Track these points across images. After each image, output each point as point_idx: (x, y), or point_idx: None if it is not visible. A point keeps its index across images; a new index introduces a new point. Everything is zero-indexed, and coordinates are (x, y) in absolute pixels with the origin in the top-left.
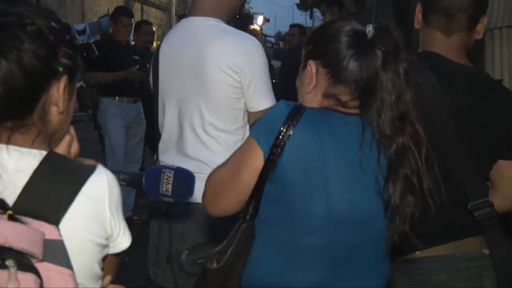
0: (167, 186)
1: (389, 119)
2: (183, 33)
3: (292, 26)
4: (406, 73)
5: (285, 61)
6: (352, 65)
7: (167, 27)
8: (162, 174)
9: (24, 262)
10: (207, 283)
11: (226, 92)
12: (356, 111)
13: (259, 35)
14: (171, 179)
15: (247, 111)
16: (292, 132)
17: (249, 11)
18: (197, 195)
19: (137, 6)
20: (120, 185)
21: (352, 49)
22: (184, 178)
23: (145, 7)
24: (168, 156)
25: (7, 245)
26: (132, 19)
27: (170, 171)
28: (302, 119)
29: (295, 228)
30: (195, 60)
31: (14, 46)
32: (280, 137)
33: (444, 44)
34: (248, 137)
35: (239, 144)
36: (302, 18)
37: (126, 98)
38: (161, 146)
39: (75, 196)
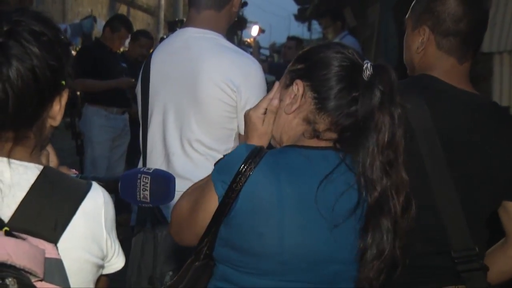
0: (144, 193)
1: (377, 163)
2: (179, 43)
3: (290, 38)
4: (399, 117)
5: (280, 76)
6: (342, 98)
7: (154, 32)
8: (138, 180)
9: (24, 281)
10: None
11: (219, 110)
12: (329, 144)
13: (255, 49)
14: (148, 185)
15: (239, 134)
16: (249, 176)
17: (242, 13)
18: None
19: (123, 9)
20: None
21: (345, 82)
22: (162, 182)
23: (132, 10)
24: None
25: (9, 262)
26: (130, 33)
27: (147, 176)
28: (261, 162)
29: (245, 269)
30: (189, 73)
31: (27, 54)
32: (237, 181)
33: (454, 70)
34: (209, 178)
35: None
36: (299, 29)
37: (115, 109)
38: (148, 160)
39: (73, 215)
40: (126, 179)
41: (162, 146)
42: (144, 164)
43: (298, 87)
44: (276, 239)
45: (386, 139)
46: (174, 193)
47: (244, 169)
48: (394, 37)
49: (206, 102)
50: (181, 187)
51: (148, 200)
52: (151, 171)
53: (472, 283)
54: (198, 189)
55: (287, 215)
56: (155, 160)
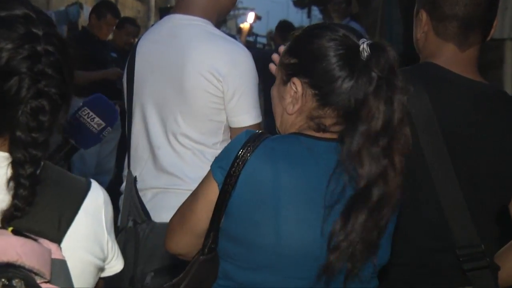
0: (95, 121)
1: (366, 152)
2: (165, 31)
3: (280, 23)
4: (398, 103)
5: (264, 65)
6: (345, 88)
7: (144, 20)
8: (81, 118)
9: (30, 282)
10: None
11: (206, 101)
12: (334, 136)
13: (244, 36)
14: (91, 113)
15: (229, 127)
16: (247, 160)
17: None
18: (171, 213)
19: None
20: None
21: (345, 71)
22: (99, 103)
23: None
24: (139, 168)
25: (18, 262)
26: (118, 19)
27: (83, 109)
28: (259, 146)
29: (243, 263)
30: (174, 62)
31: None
32: (235, 165)
33: (456, 57)
34: (208, 171)
35: None
36: (298, 16)
37: None
38: (132, 156)
39: (76, 214)
40: (71, 129)
41: (147, 140)
42: (129, 159)
43: (297, 86)
44: (271, 229)
45: (378, 127)
46: (114, 104)
47: (242, 154)
48: (399, 24)
49: (191, 93)
50: (168, 183)
51: (104, 124)
52: (80, 103)
53: (479, 282)
54: (197, 186)
55: (283, 205)
56: (140, 155)
